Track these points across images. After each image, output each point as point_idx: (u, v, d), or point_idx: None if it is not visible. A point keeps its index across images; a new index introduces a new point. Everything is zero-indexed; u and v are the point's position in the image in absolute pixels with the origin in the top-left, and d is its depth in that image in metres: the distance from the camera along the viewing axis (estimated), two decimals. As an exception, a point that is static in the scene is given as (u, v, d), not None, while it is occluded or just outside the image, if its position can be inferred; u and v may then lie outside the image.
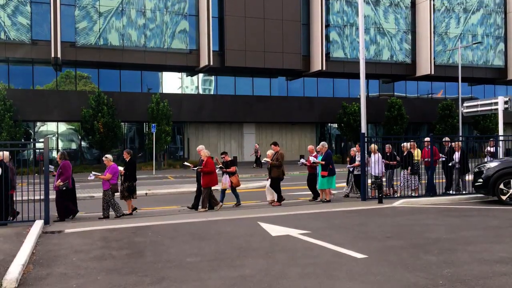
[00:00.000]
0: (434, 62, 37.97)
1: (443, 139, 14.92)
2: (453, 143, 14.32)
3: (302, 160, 13.87)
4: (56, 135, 32.46)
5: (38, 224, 9.58)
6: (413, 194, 13.79)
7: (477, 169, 12.62)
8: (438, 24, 38.63)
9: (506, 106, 15.78)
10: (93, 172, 12.12)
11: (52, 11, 28.76)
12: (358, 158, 13.80)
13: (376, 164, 13.47)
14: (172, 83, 35.20)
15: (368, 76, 31.20)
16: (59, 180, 11.13)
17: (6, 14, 28.44)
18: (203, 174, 12.17)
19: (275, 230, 8.75)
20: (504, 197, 11.92)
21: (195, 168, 12.76)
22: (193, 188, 14.92)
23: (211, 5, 31.96)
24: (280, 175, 12.94)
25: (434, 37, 38.12)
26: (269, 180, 13.02)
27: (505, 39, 41.24)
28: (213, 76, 35.71)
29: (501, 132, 15.93)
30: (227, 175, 13.12)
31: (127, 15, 30.88)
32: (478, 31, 40.04)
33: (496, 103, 16.26)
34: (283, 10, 33.79)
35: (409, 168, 13.72)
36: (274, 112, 35.52)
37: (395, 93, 40.07)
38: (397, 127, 36.37)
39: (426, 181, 14.02)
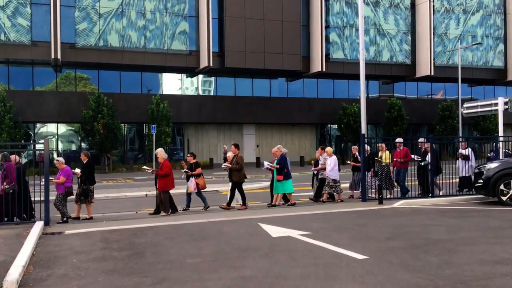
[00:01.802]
0: (434, 63, 37.99)
1: (418, 140, 14.74)
2: (425, 144, 14.17)
3: (266, 164, 13.55)
4: (56, 136, 32.46)
5: (38, 225, 9.58)
6: (373, 196, 13.69)
7: (477, 170, 12.62)
8: (437, 25, 38.66)
9: (506, 107, 15.76)
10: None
11: (52, 13, 28.78)
12: (321, 161, 13.62)
13: (331, 167, 13.24)
14: (172, 84, 35.21)
15: (368, 77, 31.16)
16: (5, 183, 10.36)
17: (6, 15, 28.45)
18: (159, 177, 11.84)
19: (275, 231, 8.75)
20: (504, 198, 11.91)
21: (151, 171, 12.43)
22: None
23: (211, 7, 31.99)
24: (241, 179, 12.70)
25: (434, 38, 38.14)
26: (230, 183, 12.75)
27: (505, 40, 41.26)
28: (213, 77, 35.72)
29: (501, 133, 15.92)
30: (193, 178, 12.85)
31: (127, 17, 30.90)
32: (478, 32, 40.06)
33: (496, 104, 16.25)
34: (283, 11, 33.81)
35: (372, 170, 13.62)
36: (274, 113, 35.53)
37: (395, 94, 40.08)
38: (397, 128, 36.38)
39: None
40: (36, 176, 10.70)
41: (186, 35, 32.33)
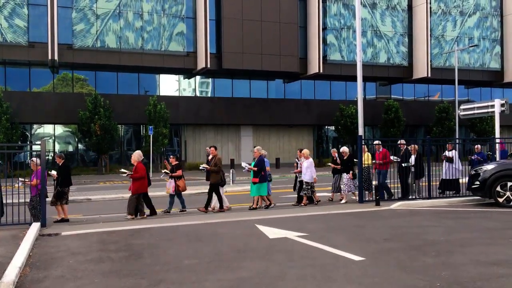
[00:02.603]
0: (431, 64, 38.09)
1: (398, 142, 14.57)
2: (409, 146, 14.04)
3: (244, 165, 13.43)
4: (53, 138, 32.39)
5: (35, 227, 9.55)
6: (353, 197, 13.69)
7: (473, 172, 12.65)
8: (434, 27, 38.78)
9: (502, 108, 15.83)
10: (20, 179, 11.28)
11: (49, 13, 28.73)
12: (299, 163, 13.57)
13: (307, 170, 13.12)
14: (170, 85, 35.18)
15: (365, 79, 31.22)
16: None
17: (3, 16, 28.40)
18: (133, 180, 11.60)
19: (272, 232, 8.75)
20: (501, 200, 11.94)
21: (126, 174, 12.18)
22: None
23: (208, 8, 32.00)
24: (219, 181, 12.44)
25: (430, 40, 38.25)
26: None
27: (502, 42, 41.42)
28: (210, 79, 35.73)
29: (497, 134, 15.98)
30: (172, 180, 12.66)
31: (125, 18, 30.88)
32: (475, 34, 40.21)
33: (492, 106, 16.31)
34: (280, 12, 33.85)
35: (350, 172, 13.58)
36: (272, 115, 35.56)
37: (392, 96, 40.17)
38: (394, 129, 36.45)
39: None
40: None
41: (184, 36, 32.32)
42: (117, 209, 12.74)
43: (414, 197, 13.42)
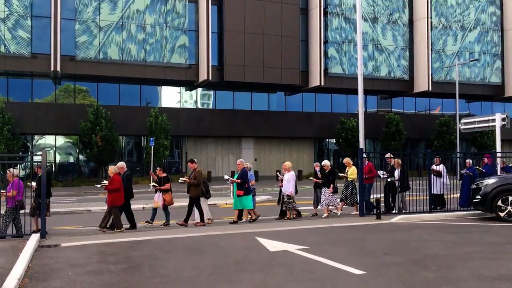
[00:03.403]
0: (432, 78, 38.21)
1: (385, 156, 14.39)
2: (393, 160, 13.83)
3: (226, 177, 13.25)
4: (54, 148, 32.42)
5: (34, 238, 9.52)
6: (335, 211, 13.53)
7: (475, 186, 12.62)
8: (435, 41, 38.98)
9: (503, 123, 15.84)
10: (2, 191, 10.92)
11: (53, 25, 28.95)
12: (280, 177, 13.44)
13: (289, 183, 12.91)
14: (171, 97, 35.30)
15: (366, 92, 31.26)
16: None
17: (6, 27, 28.61)
18: (108, 192, 11.44)
19: (272, 245, 8.71)
20: (502, 214, 11.89)
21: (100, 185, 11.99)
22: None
23: (210, 21, 32.24)
24: (199, 194, 12.26)
25: (431, 54, 38.44)
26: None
27: (502, 57, 41.59)
28: (211, 91, 35.85)
29: (498, 148, 15.97)
30: (160, 193, 12.52)
31: (127, 30, 31.10)
32: (475, 49, 40.40)
33: (493, 120, 16.33)
34: (282, 26, 34.09)
35: (331, 186, 13.25)
36: (273, 127, 35.60)
37: (393, 109, 40.24)
38: (395, 142, 36.46)
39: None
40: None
41: (186, 49, 32.52)
42: (124, 221, 12.68)
43: (396, 211, 13.12)
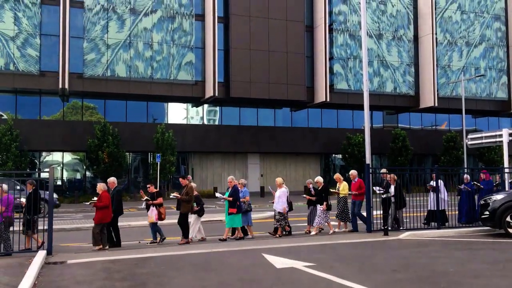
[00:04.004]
0: (438, 94, 38.20)
1: (381, 171, 14.17)
2: (388, 176, 13.60)
3: (218, 195, 13.18)
4: (61, 165, 32.59)
5: (40, 255, 9.53)
6: (330, 232, 13.16)
7: (483, 201, 12.52)
8: (441, 57, 39.07)
9: (511, 138, 15.78)
10: None
11: (61, 43, 29.35)
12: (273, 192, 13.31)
13: (279, 199, 12.71)
14: (177, 113, 35.50)
15: (371, 108, 31.34)
16: None
17: (16, 46, 29.03)
18: (97, 209, 11.35)
19: (279, 262, 8.65)
20: (511, 230, 11.76)
21: (89, 203, 11.93)
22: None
23: (217, 38, 32.56)
24: (189, 210, 12.14)
25: (437, 70, 38.49)
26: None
27: (508, 72, 41.56)
28: (218, 107, 36.03)
29: (506, 164, 15.88)
30: (154, 208, 12.35)
31: (135, 48, 31.46)
32: (481, 64, 40.43)
33: (500, 135, 16.27)
34: (287, 42, 34.35)
35: (324, 203, 12.99)
36: (279, 143, 35.63)
37: (399, 125, 40.19)
38: (402, 158, 36.33)
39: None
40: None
41: (192, 66, 32.79)
42: (123, 237, 12.67)
43: (389, 228, 12.70)
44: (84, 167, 32.91)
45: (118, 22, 31.16)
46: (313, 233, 13.09)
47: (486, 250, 10.15)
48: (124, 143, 31.01)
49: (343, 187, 13.55)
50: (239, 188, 12.84)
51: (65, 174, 32.92)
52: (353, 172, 13.87)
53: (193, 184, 12.63)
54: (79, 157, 33.33)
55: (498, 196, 12.23)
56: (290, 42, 34.41)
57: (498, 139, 16.54)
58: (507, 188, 14.31)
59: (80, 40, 30.41)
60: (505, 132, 15.99)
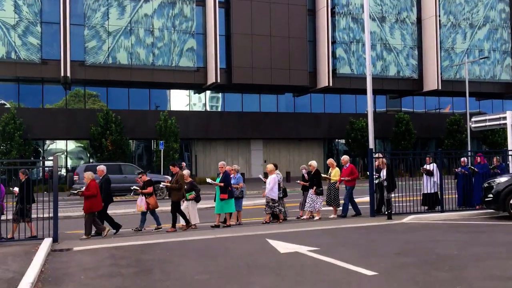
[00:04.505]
0: (441, 77, 37.96)
1: (374, 156, 13.95)
2: (378, 160, 13.49)
3: (209, 180, 13.05)
4: (65, 153, 32.69)
5: (46, 242, 9.60)
6: (315, 217, 12.99)
7: (487, 184, 12.51)
8: (444, 39, 38.72)
9: (514, 120, 15.69)
10: None
11: (62, 31, 29.24)
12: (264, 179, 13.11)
13: (270, 186, 12.48)
14: (180, 100, 35.45)
15: (375, 92, 31.16)
16: None
17: (17, 34, 28.93)
18: (85, 198, 11.17)
19: (283, 247, 8.69)
20: (515, 213, 11.77)
21: (76, 191, 11.80)
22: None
23: (218, 24, 32.33)
24: (180, 198, 11.96)
25: (440, 53, 38.18)
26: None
27: (512, 54, 41.22)
28: (220, 93, 35.94)
29: (510, 146, 15.82)
30: (143, 197, 12.27)
31: (136, 34, 31.29)
32: (485, 46, 40.06)
33: (504, 118, 16.19)
34: (289, 27, 34.09)
35: (314, 188, 12.82)
36: (281, 129, 35.58)
37: (403, 109, 40.02)
38: (405, 142, 36.26)
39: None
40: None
41: (194, 52, 32.64)
42: (127, 224, 12.76)
43: (387, 212, 12.61)
44: (88, 155, 33.01)
45: (118, 8, 30.96)
46: (317, 217, 13.08)
47: (490, 232, 10.17)
48: (127, 130, 31.06)
49: (334, 173, 13.40)
50: (233, 175, 12.79)
51: (69, 162, 33.03)
52: (344, 158, 13.80)
53: (185, 172, 12.58)
54: (82, 145, 33.42)
55: (502, 179, 12.22)
56: (292, 27, 34.15)
57: (502, 122, 16.47)
58: (511, 171, 14.27)
59: (81, 27, 30.28)
60: (509, 114, 15.91)
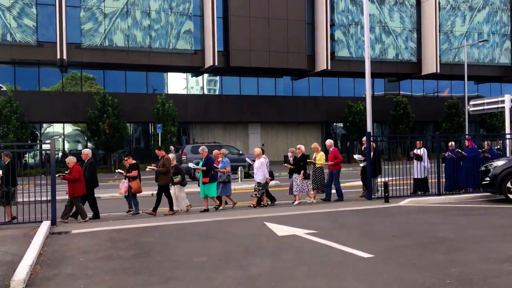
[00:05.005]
0: (440, 60, 37.81)
1: (362, 139, 13.93)
2: (365, 143, 13.39)
3: (191, 165, 13.00)
4: (62, 136, 32.62)
5: (45, 225, 9.63)
6: (308, 201, 12.98)
7: (484, 168, 12.56)
8: (443, 22, 38.47)
9: (512, 104, 15.69)
10: None
11: (58, 13, 28.90)
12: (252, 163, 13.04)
13: (258, 170, 12.50)
14: (177, 83, 35.27)
15: (373, 75, 30.94)
16: None
17: (12, 16, 28.61)
18: (68, 182, 11.08)
19: (281, 230, 8.75)
20: (511, 196, 11.84)
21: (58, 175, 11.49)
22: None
23: (215, 6, 32.00)
24: (168, 182, 11.99)
25: (439, 36, 37.96)
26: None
27: (511, 37, 40.98)
28: (218, 77, 35.75)
29: (508, 130, 15.84)
30: (126, 180, 12.17)
31: (132, 16, 30.98)
32: (484, 29, 39.83)
33: (502, 101, 16.18)
34: (287, 9, 33.76)
35: (302, 172, 12.75)
36: (280, 112, 35.52)
37: (401, 92, 39.96)
38: (403, 126, 36.28)
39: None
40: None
41: (191, 35, 32.36)
42: (126, 207, 12.79)
43: (384, 195, 12.60)
44: (86, 138, 32.95)
45: (115, -10, 30.57)
46: (296, 202, 12.89)
47: (486, 215, 10.24)
48: (125, 114, 30.96)
49: (319, 157, 13.31)
50: (220, 159, 12.78)
51: (67, 146, 32.98)
52: (328, 142, 13.73)
53: (171, 155, 12.52)
54: (80, 129, 33.33)
55: (499, 162, 12.26)
56: (290, 9, 33.83)
57: (500, 105, 16.46)
58: (507, 155, 14.32)
59: (77, 9, 29.93)
60: (507, 98, 15.90)
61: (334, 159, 13.25)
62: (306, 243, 7.69)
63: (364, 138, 13.93)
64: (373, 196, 13.01)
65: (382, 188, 12.76)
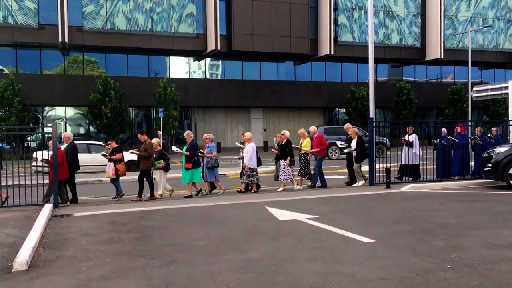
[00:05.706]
0: (444, 46, 37.49)
1: (344, 126, 13.85)
2: (350, 130, 13.39)
3: (174, 149, 12.98)
4: (64, 120, 32.62)
5: (47, 208, 9.68)
6: (295, 187, 12.91)
7: (486, 154, 12.53)
8: (448, 7, 38.05)
9: (516, 90, 15.59)
10: None
11: (59, -5, 28.66)
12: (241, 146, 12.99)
13: (248, 155, 12.37)
14: (179, 67, 35.11)
15: (376, 60, 30.76)
16: None
17: (13, -2, 28.39)
18: (50, 166, 10.80)
19: (282, 215, 8.78)
20: (513, 182, 11.83)
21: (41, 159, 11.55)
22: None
23: (218, -11, 31.69)
24: (150, 167, 11.90)
25: (444, 21, 37.58)
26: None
27: (517, 23, 40.58)
28: (220, 61, 35.56)
29: (511, 117, 15.77)
30: (112, 163, 12.19)
31: (134, -1, 30.70)
32: (489, 14, 39.39)
33: (506, 88, 16.09)
34: (291, -7, 33.40)
35: (289, 158, 12.65)
36: (282, 97, 35.39)
37: (404, 78, 39.72)
38: (406, 112, 36.16)
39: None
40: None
41: (193, 18, 32.11)
42: (128, 191, 12.84)
43: (361, 184, 12.69)
44: (87, 121, 32.95)
45: (116, -28, 30.26)
46: (280, 189, 12.78)
47: (487, 202, 10.24)
48: (127, 97, 30.91)
49: (305, 143, 13.22)
50: (207, 144, 12.72)
51: (69, 129, 32.99)
52: (312, 128, 13.63)
53: (155, 140, 12.40)
54: (82, 112, 33.31)
55: (502, 149, 12.23)
56: (293, -7, 33.46)
57: (503, 91, 16.37)
58: (510, 141, 14.27)
59: (78, -9, 29.67)
60: (510, 84, 15.80)
61: (320, 145, 13.16)
62: (307, 227, 7.71)
63: (346, 125, 13.91)
64: (354, 185, 13.01)
65: (384, 174, 12.78)
